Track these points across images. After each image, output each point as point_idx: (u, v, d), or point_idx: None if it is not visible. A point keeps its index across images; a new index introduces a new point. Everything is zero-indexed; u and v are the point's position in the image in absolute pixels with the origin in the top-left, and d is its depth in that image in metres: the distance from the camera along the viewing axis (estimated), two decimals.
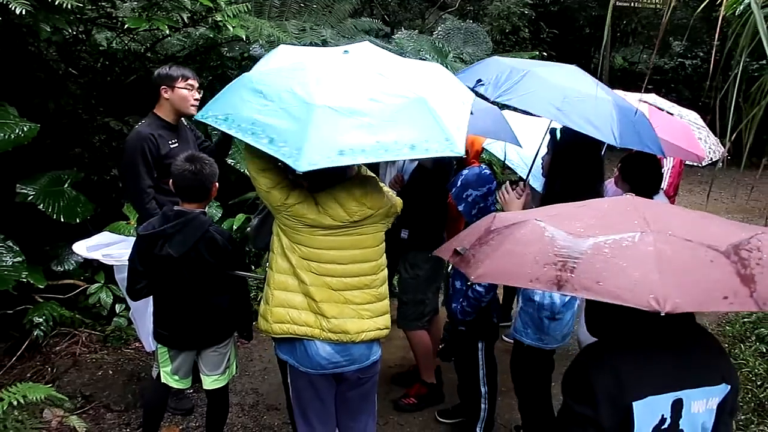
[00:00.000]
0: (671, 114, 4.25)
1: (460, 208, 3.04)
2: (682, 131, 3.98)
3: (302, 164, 2.03)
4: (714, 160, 4.38)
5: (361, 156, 2.11)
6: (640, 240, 1.49)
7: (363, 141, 2.11)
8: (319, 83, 2.22)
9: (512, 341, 3.19)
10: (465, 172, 3.08)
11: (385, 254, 2.58)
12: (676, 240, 1.50)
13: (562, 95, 2.68)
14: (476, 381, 3.18)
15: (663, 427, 1.60)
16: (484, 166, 3.19)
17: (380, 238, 2.53)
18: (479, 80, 2.78)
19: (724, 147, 2.88)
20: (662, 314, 1.33)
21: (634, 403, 1.56)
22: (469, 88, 2.86)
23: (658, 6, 8.10)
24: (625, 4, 7.79)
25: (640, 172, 3.25)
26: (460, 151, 2.13)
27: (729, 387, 1.65)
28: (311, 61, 2.41)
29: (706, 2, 2.65)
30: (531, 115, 3.39)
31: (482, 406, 3.20)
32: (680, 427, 1.61)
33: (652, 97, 4.38)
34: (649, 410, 1.58)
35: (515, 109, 3.49)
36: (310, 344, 2.44)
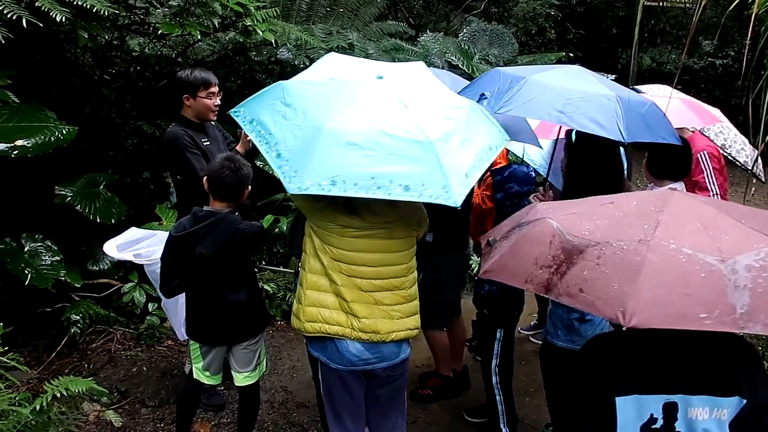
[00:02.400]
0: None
1: (498, 196, 3.18)
2: (688, 106, 3.83)
3: (292, 187, 2.09)
4: (745, 161, 4.26)
5: (352, 189, 2.10)
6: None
7: (358, 174, 2.11)
8: (335, 108, 2.23)
9: (541, 342, 3.23)
10: (515, 166, 3.22)
11: (415, 257, 2.61)
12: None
13: (564, 98, 2.67)
14: (489, 370, 3.25)
15: (654, 427, 1.60)
16: (531, 169, 3.29)
17: (411, 242, 2.56)
18: (482, 94, 2.79)
19: (758, 146, 2.84)
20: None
21: (616, 398, 1.58)
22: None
23: (687, 5, 7.97)
24: (653, 4, 7.68)
25: (664, 161, 3.22)
26: (456, 202, 2.11)
27: (744, 401, 1.59)
28: (342, 81, 2.41)
29: (738, 0, 2.62)
30: None
31: (497, 397, 3.25)
32: (676, 429, 1.60)
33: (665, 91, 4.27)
34: (634, 408, 1.58)
35: None
36: (341, 342, 2.48)
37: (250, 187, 2.83)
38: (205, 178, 2.76)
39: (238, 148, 3.31)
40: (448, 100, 2.31)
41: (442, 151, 2.17)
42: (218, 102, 3.37)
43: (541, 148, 3.39)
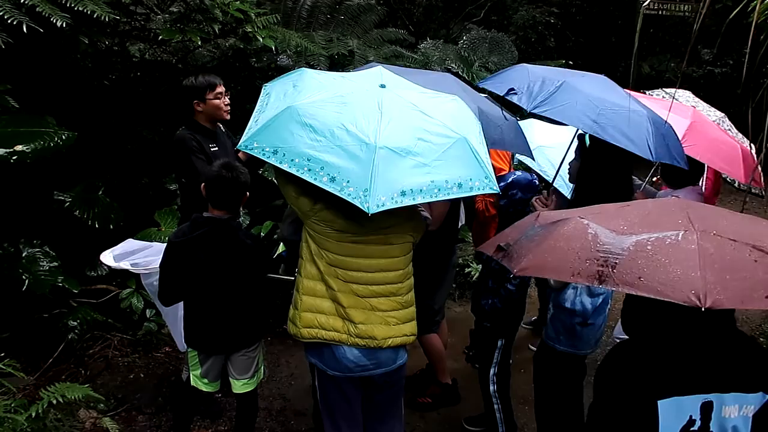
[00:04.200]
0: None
1: (502, 202, 3.18)
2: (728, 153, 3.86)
3: (371, 206, 2.10)
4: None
5: (419, 196, 2.18)
6: (683, 238, 1.52)
7: (420, 182, 2.19)
8: (371, 122, 2.26)
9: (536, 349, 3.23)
10: (518, 173, 3.23)
11: (411, 263, 2.60)
12: (720, 239, 1.52)
13: (597, 107, 2.70)
14: (486, 378, 3.24)
15: (692, 429, 1.61)
16: (534, 176, 3.32)
17: (407, 248, 2.55)
18: (512, 89, 2.80)
19: (758, 156, 2.85)
20: (703, 309, 1.36)
21: (659, 402, 1.58)
22: (501, 95, 2.89)
23: (686, 14, 8.01)
24: (653, 13, 7.72)
25: (681, 170, 3.31)
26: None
27: (767, 397, 1.63)
28: (354, 94, 2.41)
29: (738, 9, 2.63)
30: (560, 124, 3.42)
31: (495, 406, 3.25)
32: (710, 429, 1.62)
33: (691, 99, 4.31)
34: (675, 410, 1.59)
35: (540, 117, 3.51)
36: (337, 348, 2.47)
37: (248, 194, 2.83)
38: (203, 184, 2.75)
39: (241, 155, 3.31)
40: (435, 128, 2.33)
41: (474, 145, 2.26)
42: (228, 101, 3.41)
43: (533, 160, 3.41)
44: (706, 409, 1.60)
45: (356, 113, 2.29)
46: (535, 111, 2.70)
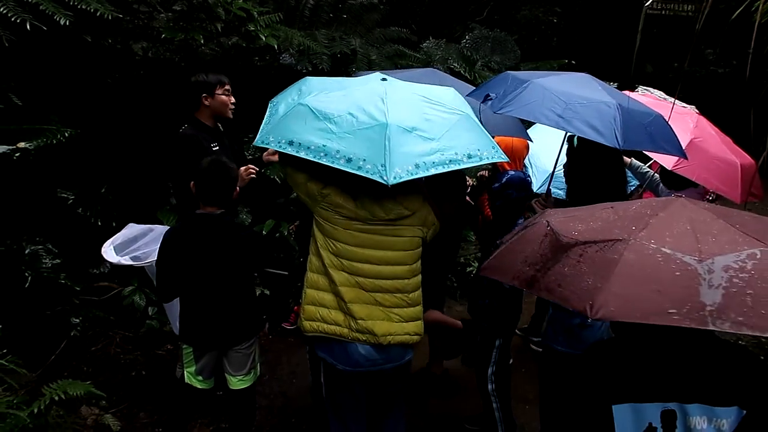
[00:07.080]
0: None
1: (497, 203, 3.16)
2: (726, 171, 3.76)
3: (390, 178, 2.21)
4: None
5: (432, 168, 2.30)
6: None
7: (431, 155, 2.31)
8: (378, 105, 2.40)
9: (540, 349, 3.22)
10: (511, 173, 3.20)
11: (420, 260, 2.59)
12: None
13: (564, 102, 2.71)
14: (484, 378, 3.24)
15: None
16: (528, 174, 3.28)
17: (417, 243, 2.55)
18: (487, 95, 2.84)
19: (761, 156, 2.84)
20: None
21: (614, 406, 1.58)
22: (480, 102, 2.92)
23: (690, 14, 8.00)
24: (656, 12, 7.71)
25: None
26: (504, 156, 2.49)
27: (744, 412, 1.56)
28: (358, 86, 2.57)
29: (740, 9, 2.63)
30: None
31: (494, 405, 3.24)
32: None
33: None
34: (631, 416, 1.57)
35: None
36: (349, 342, 2.48)
37: (238, 189, 2.85)
38: (192, 182, 2.77)
39: (268, 157, 3.53)
40: (437, 109, 2.49)
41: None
42: (234, 100, 3.45)
43: (531, 141, 3.41)
44: (669, 417, 1.57)
45: (363, 99, 2.44)
46: (499, 112, 2.75)
